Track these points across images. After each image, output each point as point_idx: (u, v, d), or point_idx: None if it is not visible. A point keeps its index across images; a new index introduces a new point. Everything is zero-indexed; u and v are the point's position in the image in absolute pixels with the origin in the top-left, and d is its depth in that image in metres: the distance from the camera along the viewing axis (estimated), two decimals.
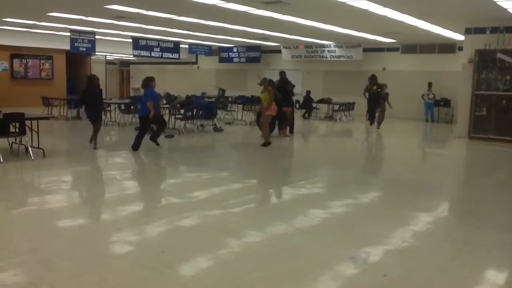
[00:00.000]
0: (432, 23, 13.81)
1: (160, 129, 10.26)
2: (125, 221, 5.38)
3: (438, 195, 7.11)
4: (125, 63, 31.34)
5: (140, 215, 5.62)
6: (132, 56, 20.69)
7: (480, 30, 12.84)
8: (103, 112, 10.40)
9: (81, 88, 22.65)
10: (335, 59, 21.20)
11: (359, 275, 3.95)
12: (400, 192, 7.14)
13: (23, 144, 9.11)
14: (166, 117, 13.68)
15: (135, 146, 9.79)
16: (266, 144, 10.89)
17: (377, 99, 15.34)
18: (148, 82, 9.87)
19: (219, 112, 16.06)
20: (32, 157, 8.60)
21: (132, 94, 27.06)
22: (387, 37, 17.94)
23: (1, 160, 8.22)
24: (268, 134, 11.17)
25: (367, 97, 15.67)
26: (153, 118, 9.74)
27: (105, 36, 20.00)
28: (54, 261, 4.07)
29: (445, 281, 3.89)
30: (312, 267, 4.06)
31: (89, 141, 10.00)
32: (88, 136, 10.01)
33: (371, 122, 15.80)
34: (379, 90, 15.36)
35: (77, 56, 21.83)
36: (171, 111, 13.53)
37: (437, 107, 18.74)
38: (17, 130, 8.84)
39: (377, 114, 15.69)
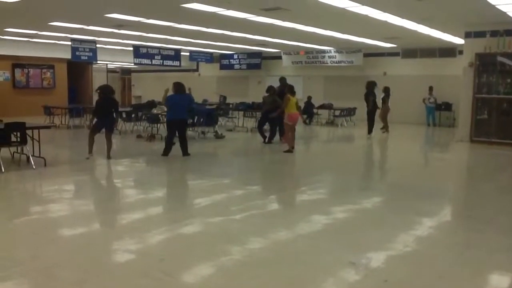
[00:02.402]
0: (432, 28, 13.83)
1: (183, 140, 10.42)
2: (126, 229, 5.37)
3: (440, 200, 7.08)
4: (126, 71, 31.45)
5: (140, 222, 5.60)
6: (133, 64, 20.73)
7: (480, 34, 12.85)
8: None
9: (83, 97, 22.99)
10: (336, 64, 21.23)
11: (360, 280, 3.93)
12: (402, 197, 7.12)
13: (25, 154, 9.12)
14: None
15: (185, 152, 10.21)
16: (289, 150, 11.04)
17: (374, 109, 14.68)
18: (182, 88, 10.21)
19: (220, 119, 16.07)
20: (34, 166, 8.62)
21: (133, 102, 27.18)
22: (388, 42, 17.98)
23: (3, 170, 8.23)
24: (290, 141, 11.18)
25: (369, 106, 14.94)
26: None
27: (106, 45, 20.08)
28: (55, 270, 4.07)
29: (447, 285, 3.87)
30: (313, 273, 4.05)
31: (106, 157, 9.77)
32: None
33: (369, 132, 14.66)
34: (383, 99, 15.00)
35: (79, 65, 21.90)
36: None
37: (438, 111, 18.73)
38: (18, 139, 8.86)
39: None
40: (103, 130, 9.83)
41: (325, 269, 4.15)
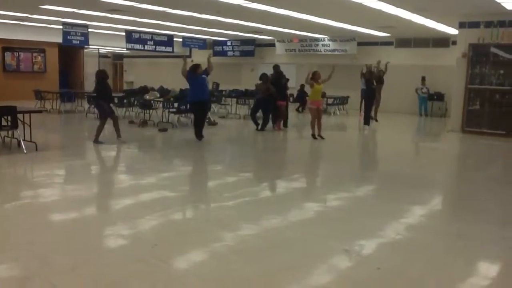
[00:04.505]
0: (426, 17, 13.82)
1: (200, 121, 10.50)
2: (119, 215, 5.36)
3: (432, 189, 7.13)
4: (118, 56, 31.12)
5: (133, 208, 5.59)
6: (125, 49, 20.52)
7: (474, 25, 12.86)
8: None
9: (74, 82, 22.77)
10: (329, 53, 21.16)
11: (353, 267, 3.96)
12: (394, 186, 7.16)
13: (15, 138, 9.04)
14: (159, 111, 13.72)
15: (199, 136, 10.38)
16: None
17: (373, 95, 14.43)
18: (196, 69, 10.44)
19: (213, 105, 16.01)
20: (25, 151, 8.54)
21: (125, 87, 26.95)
22: (382, 31, 17.94)
23: None
24: (312, 126, 11.44)
25: (362, 85, 14.85)
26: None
27: (98, 29, 19.84)
28: (48, 255, 4.05)
29: (438, 273, 3.91)
30: (306, 260, 4.07)
31: (117, 138, 9.88)
32: (82, 129, 9.91)
33: (366, 123, 14.02)
34: (381, 71, 14.98)
35: (70, 49, 21.65)
36: (165, 105, 13.46)
37: (430, 101, 18.79)
38: (9, 123, 8.77)
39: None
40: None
41: (318, 256, 4.17)
